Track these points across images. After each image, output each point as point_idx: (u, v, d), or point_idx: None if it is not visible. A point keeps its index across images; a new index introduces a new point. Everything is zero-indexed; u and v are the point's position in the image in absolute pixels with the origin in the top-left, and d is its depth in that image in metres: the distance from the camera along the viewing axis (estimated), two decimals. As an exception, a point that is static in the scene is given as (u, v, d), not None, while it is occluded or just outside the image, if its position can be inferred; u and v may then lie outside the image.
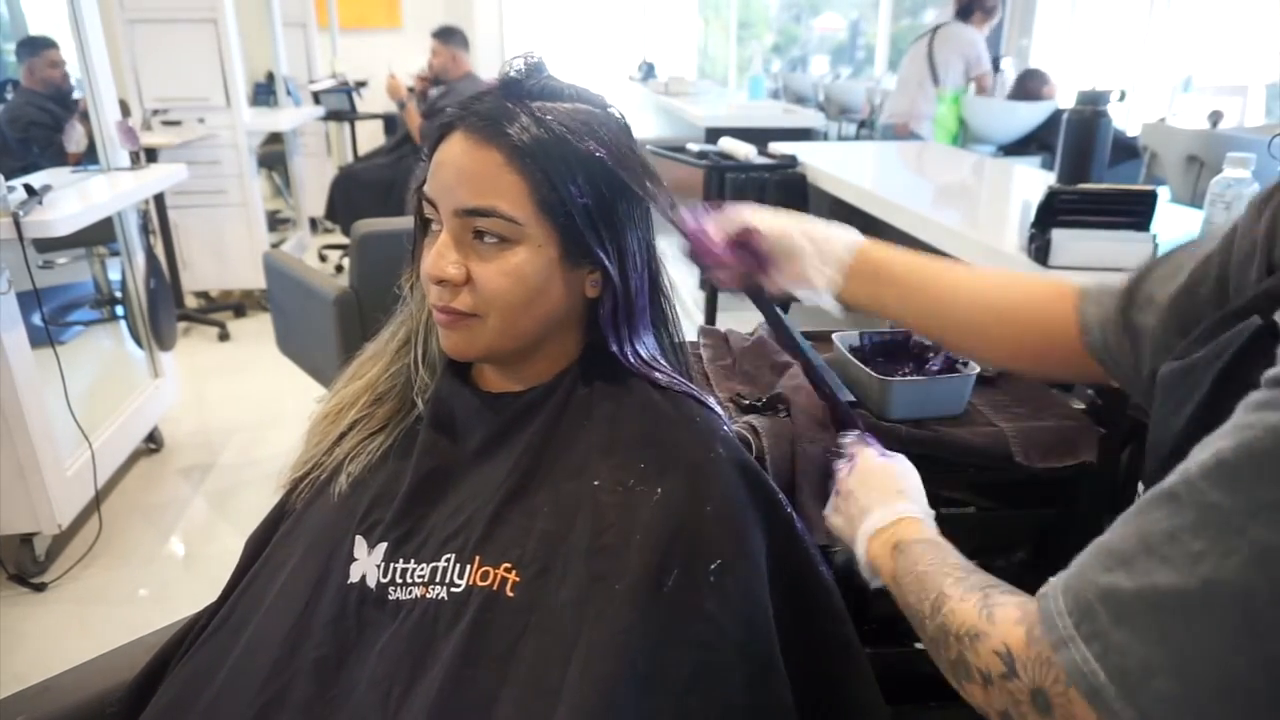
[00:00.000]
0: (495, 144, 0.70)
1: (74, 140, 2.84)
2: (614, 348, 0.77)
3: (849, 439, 0.86)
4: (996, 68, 4.44)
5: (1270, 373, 0.42)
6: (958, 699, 1.09)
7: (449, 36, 4.24)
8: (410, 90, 4.44)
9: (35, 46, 3.35)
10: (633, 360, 0.78)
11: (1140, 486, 0.64)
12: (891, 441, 0.92)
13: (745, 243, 0.87)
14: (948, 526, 0.74)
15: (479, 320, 0.73)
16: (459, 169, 0.71)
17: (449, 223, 0.72)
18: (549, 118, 0.71)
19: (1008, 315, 0.84)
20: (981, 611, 0.55)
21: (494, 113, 0.71)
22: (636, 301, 0.78)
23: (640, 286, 0.78)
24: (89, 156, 2.72)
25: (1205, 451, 0.43)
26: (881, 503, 0.76)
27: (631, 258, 0.76)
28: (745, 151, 2.76)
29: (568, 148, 0.71)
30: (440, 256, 0.72)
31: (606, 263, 0.74)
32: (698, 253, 0.87)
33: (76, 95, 3.00)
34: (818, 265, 0.85)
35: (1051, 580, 0.49)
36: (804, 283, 0.86)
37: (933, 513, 0.77)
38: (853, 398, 1.00)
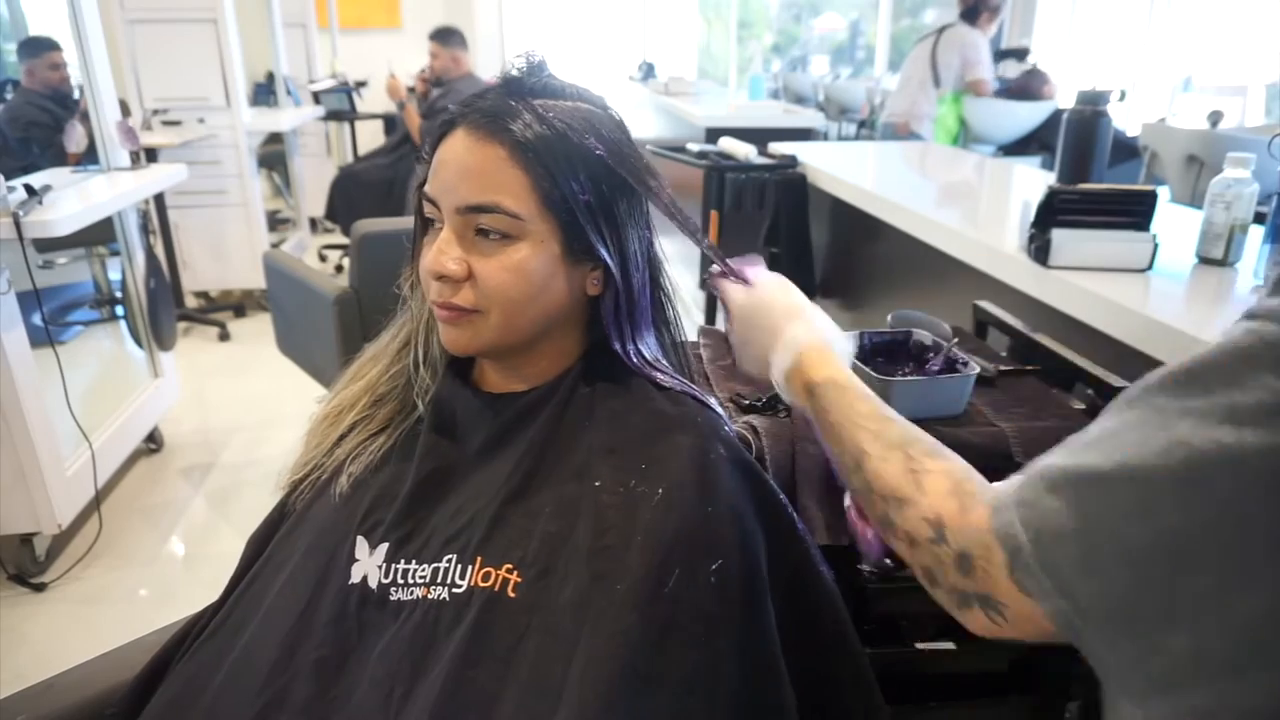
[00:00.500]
0: (498, 140, 0.70)
1: (74, 140, 2.84)
2: (616, 346, 0.77)
3: (712, 279, 0.87)
4: (1022, 57, 4.43)
5: (1249, 308, 0.46)
6: (958, 699, 1.09)
7: (448, 38, 4.24)
8: (410, 90, 4.44)
9: (37, 47, 3.35)
10: (634, 359, 0.78)
11: None
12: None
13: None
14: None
15: (481, 316, 0.73)
16: (461, 166, 0.71)
17: (451, 220, 0.72)
18: (551, 115, 0.71)
19: None
20: (907, 477, 0.59)
21: (496, 110, 0.71)
22: (638, 300, 0.78)
23: (642, 285, 0.78)
24: (89, 156, 2.72)
25: (1163, 367, 0.47)
26: (776, 337, 0.76)
27: (633, 256, 0.76)
28: (745, 151, 2.76)
29: (569, 144, 0.71)
30: (441, 253, 0.72)
31: (608, 259, 0.74)
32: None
33: (77, 95, 2.99)
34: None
35: None
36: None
37: (818, 310, 0.77)
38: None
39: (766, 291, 0.80)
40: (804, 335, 0.74)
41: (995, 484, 0.54)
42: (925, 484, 0.57)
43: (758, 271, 0.83)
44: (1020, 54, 4.62)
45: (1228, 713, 0.41)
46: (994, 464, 1.03)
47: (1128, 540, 0.43)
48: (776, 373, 0.76)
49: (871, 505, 0.61)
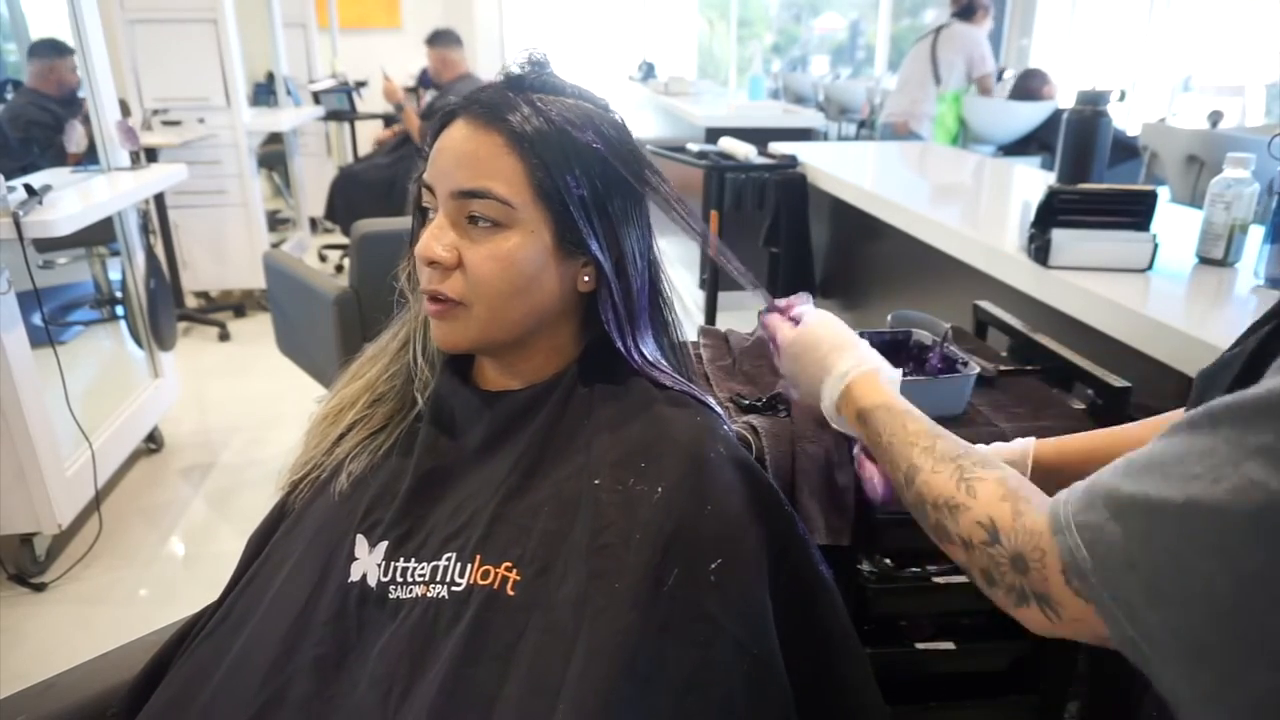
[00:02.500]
0: (495, 128, 0.71)
1: (74, 140, 2.84)
2: (618, 344, 0.77)
3: (763, 316, 0.90)
4: (999, 75, 4.44)
5: None
6: (958, 699, 1.09)
7: (435, 39, 4.23)
8: (409, 90, 4.44)
9: (56, 51, 3.32)
10: (635, 356, 0.78)
11: None
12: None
13: None
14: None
15: (466, 309, 0.74)
16: (458, 153, 0.72)
17: (445, 205, 0.73)
18: (550, 109, 0.72)
19: None
20: (960, 485, 0.61)
21: (496, 101, 0.72)
22: (636, 299, 0.78)
23: (639, 284, 0.78)
24: (89, 156, 2.72)
25: (1232, 394, 0.46)
26: (826, 371, 0.79)
27: (630, 254, 0.76)
28: (745, 151, 2.76)
29: (567, 138, 0.72)
30: (433, 238, 0.72)
31: (599, 255, 0.74)
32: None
33: (82, 94, 2.99)
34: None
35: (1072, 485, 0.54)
36: None
37: (865, 343, 0.81)
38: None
39: (815, 328, 0.84)
40: (853, 366, 0.78)
41: (1051, 497, 0.54)
42: (977, 490, 0.59)
43: (806, 309, 0.87)
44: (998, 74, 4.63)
45: None
46: (994, 464, 1.04)
47: (1203, 576, 0.43)
48: (828, 403, 0.80)
49: (925, 517, 0.64)
